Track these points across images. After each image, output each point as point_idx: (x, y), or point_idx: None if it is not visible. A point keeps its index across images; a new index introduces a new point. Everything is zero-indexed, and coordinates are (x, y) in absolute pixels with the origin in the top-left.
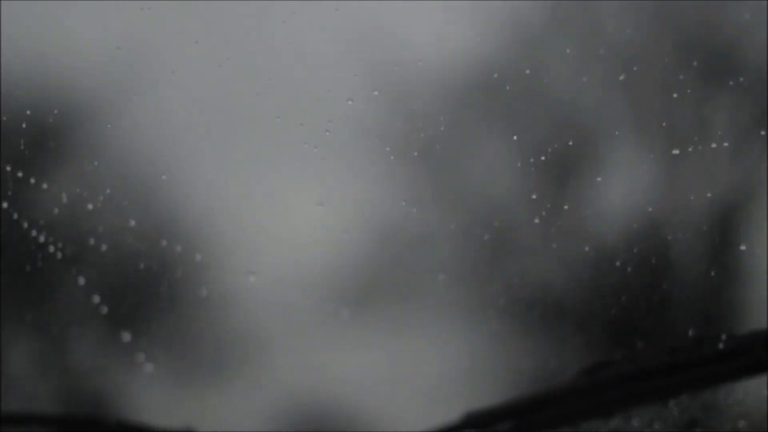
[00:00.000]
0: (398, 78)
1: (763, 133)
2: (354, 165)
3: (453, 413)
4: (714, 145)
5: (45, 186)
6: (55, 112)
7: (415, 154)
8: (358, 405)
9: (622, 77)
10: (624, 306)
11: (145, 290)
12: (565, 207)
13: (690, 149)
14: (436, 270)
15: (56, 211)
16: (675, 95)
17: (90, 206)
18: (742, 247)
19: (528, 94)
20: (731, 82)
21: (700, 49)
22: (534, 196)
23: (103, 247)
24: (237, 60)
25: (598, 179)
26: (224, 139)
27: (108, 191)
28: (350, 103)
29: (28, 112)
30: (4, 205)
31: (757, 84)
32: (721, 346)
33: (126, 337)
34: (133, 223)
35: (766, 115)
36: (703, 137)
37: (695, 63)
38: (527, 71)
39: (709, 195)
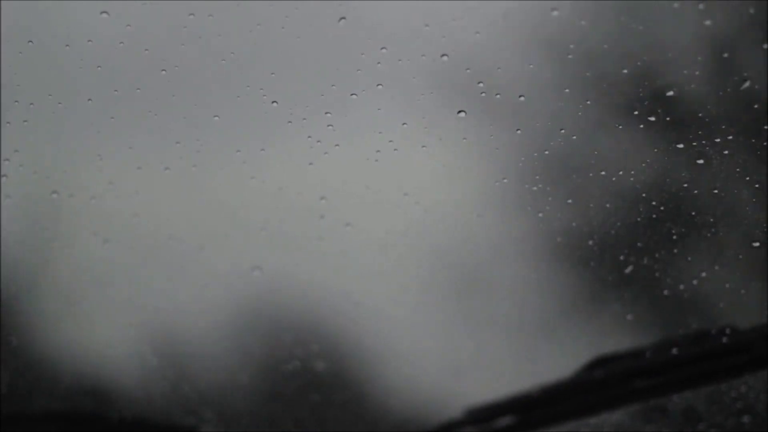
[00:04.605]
0: (402, 72)
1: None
2: (357, 160)
3: (454, 409)
4: (718, 140)
5: (46, 183)
6: (59, 104)
7: (423, 147)
8: (358, 402)
9: (625, 71)
10: (628, 301)
11: (149, 286)
12: (569, 201)
13: (694, 144)
14: (436, 266)
15: (56, 207)
16: (674, 91)
17: (93, 201)
18: (755, 244)
19: (530, 92)
20: (734, 78)
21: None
22: (535, 188)
23: (106, 244)
24: (239, 55)
25: (602, 173)
26: (226, 134)
27: (111, 186)
28: (354, 97)
29: (32, 104)
30: (6, 200)
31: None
32: (724, 340)
33: (130, 332)
34: (136, 218)
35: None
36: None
37: (699, 59)
38: (530, 65)
39: (715, 190)
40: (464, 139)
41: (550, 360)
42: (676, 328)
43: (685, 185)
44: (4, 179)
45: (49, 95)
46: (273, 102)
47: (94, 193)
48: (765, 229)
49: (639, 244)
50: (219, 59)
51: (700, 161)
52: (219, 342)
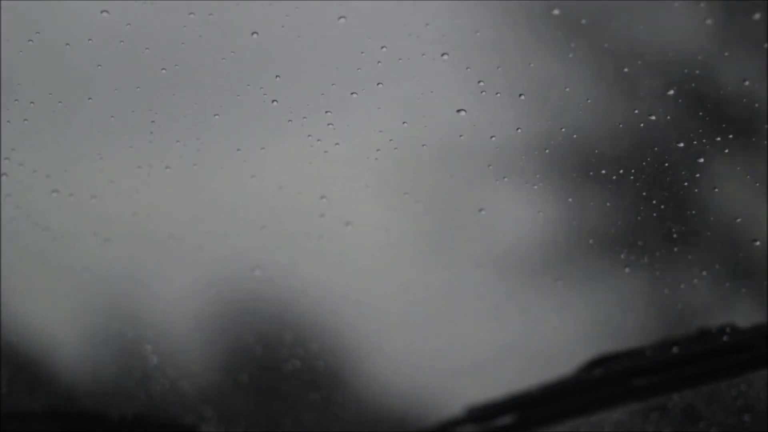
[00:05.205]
0: (402, 71)
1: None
2: (357, 158)
3: (454, 407)
4: (718, 140)
5: (47, 182)
6: (59, 103)
7: (423, 146)
8: (357, 401)
9: (626, 70)
10: (628, 300)
11: (149, 285)
12: (569, 200)
13: (694, 143)
14: (436, 265)
15: (56, 207)
16: (674, 90)
17: (93, 200)
18: (757, 243)
19: (530, 91)
20: (734, 78)
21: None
22: (535, 187)
23: (106, 243)
24: (239, 54)
25: (602, 172)
26: (226, 133)
27: (111, 185)
28: (354, 96)
29: (32, 103)
30: (6, 199)
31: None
32: (724, 339)
33: (130, 331)
34: (136, 217)
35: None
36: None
37: (699, 58)
38: (531, 65)
39: (715, 190)
40: (464, 137)
41: (550, 359)
42: (676, 327)
43: (685, 185)
44: (3, 178)
45: (50, 94)
46: (273, 101)
47: (94, 192)
48: (765, 229)
49: (639, 244)
50: (219, 58)
51: (700, 161)
52: (219, 340)
